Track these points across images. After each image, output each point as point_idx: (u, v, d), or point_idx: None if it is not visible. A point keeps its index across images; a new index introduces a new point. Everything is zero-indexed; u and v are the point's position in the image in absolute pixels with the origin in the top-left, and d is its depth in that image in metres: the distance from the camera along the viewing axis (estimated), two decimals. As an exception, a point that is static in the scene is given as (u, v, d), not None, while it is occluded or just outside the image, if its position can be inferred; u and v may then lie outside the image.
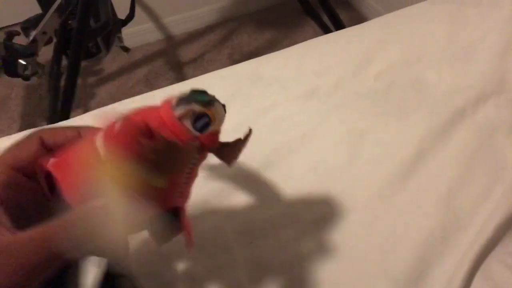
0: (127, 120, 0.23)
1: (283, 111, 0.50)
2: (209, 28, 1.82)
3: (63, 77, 1.22)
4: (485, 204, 0.40)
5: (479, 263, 0.37)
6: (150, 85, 1.61)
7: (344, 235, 0.39)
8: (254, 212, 0.41)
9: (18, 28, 1.16)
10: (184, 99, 0.23)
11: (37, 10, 1.19)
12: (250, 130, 0.28)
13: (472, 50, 0.52)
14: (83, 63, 1.18)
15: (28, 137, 0.26)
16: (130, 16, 1.40)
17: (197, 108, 0.23)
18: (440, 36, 0.55)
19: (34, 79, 1.18)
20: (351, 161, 0.44)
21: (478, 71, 0.50)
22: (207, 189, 0.42)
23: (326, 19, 1.60)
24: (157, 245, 0.28)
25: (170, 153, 0.23)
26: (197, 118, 0.23)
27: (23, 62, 1.15)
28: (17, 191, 0.24)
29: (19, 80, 1.15)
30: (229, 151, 0.27)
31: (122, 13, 1.36)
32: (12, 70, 1.13)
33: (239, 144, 0.27)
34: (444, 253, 0.38)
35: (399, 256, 0.37)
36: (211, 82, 0.54)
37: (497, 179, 0.42)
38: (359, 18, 1.77)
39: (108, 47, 1.39)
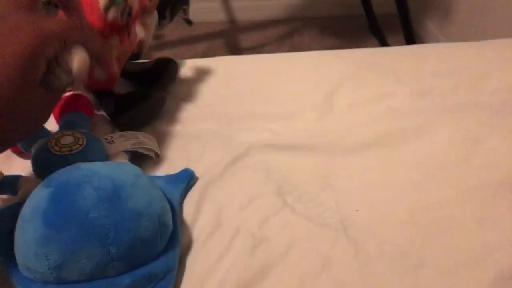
0: None
1: (397, 102, 0.50)
2: (273, 22, 1.84)
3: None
4: None
5: None
6: (208, 61, 1.63)
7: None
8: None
9: None
10: None
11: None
12: None
13: None
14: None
15: None
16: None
17: None
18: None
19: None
20: (462, 164, 0.45)
21: None
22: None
23: (390, 39, 1.60)
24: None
25: None
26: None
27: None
28: None
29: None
30: None
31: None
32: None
33: None
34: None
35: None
36: (330, 58, 0.55)
37: None
38: (416, 41, 1.75)
39: (172, 15, 1.41)
